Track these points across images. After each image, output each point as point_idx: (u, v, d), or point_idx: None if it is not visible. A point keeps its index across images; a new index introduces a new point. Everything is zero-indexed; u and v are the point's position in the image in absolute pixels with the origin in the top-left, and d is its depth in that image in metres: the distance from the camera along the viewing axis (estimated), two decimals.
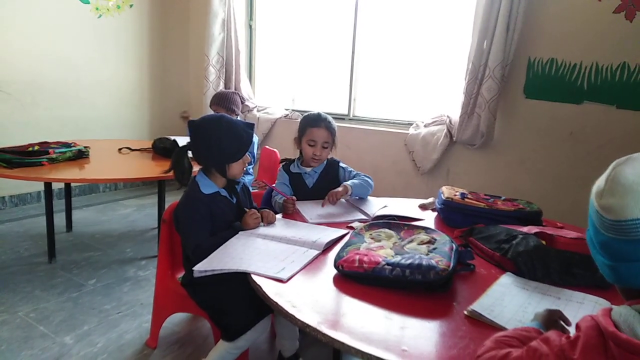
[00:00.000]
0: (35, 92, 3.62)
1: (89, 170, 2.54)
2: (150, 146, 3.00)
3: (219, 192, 1.57)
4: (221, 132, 1.54)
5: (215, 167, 1.57)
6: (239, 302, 1.46)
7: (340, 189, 1.83)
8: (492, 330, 0.96)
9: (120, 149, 2.98)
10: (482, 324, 0.98)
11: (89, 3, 3.85)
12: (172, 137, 2.87)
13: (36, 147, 2.53)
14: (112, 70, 4.14)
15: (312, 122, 1.99)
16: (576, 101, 2.72)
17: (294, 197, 1.84)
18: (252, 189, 2.93)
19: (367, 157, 3.46)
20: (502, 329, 0.95)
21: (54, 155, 2.50)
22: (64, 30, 3.73)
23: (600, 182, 0.72)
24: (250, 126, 1.62)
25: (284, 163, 2.09)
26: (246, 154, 1.60)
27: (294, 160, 2.07)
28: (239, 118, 3.16)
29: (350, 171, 2.05)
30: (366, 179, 1.97)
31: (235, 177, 1.61)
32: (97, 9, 3.92)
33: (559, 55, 2.74)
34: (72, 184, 3.57)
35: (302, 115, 3.93)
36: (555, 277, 1.20)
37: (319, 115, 2.03)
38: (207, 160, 1.58)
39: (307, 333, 0.97)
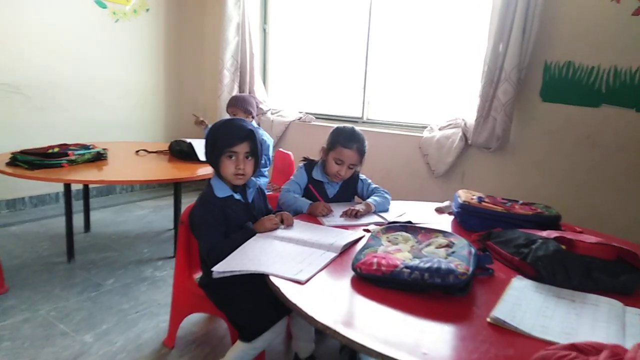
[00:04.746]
0: (54, 95, 3.70)
1: (108, 171, 2.58)
2: (167, 148, 3.05)
3: (232, 196, 1.59)
4: (210, 132, 1.60)
5: (213, 169, 1.61)
6: (257, 303, 1.47)
7: (363, 207, 1.82)
8: (512, 335, 0.95)
9: (137, 151, 3.02)
10: (502, 329, 0.98)
11: (106, 7, 3.93)
12: (188, 140, 2.90)
13: (56, 149, 2.58)
14: (128, 74, 4.21)
15: (344, 142, 1.89)
16: (594, 104, 2.69)
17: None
18: (267, 192, 2.95)
19: (380, 160, 3.46)
20: (526, 335, 0.95)
21: (73, 157, 2.54)
22: (82, 34, 3.81)
23: None
24: (236, 126, 1.57)
25: (305, 163, 2.04)
26: (233, 154, 1.53)
27: (315, 162, 2.03)
28: (254, 120, 3.19)
29: (369, 184, 2.05)
30: (386, 195, 1.97)
31: (231, 180, 1.57)
32: (114, 13, 4.00)
33: (576, 59, 2.71)
34: (90, 186, 3.63)
35: (315, 118, 4.00)
36: (576, 282, 1.19)
37: (352, 134, 1.93)
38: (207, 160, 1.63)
39: (324, 335, 0.98)
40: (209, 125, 3.06)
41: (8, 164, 2.38)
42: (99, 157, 2.70)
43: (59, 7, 3.62)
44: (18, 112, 3.50)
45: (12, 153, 2.45)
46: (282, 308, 1.41)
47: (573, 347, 0.77)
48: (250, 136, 1.56)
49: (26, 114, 3.55)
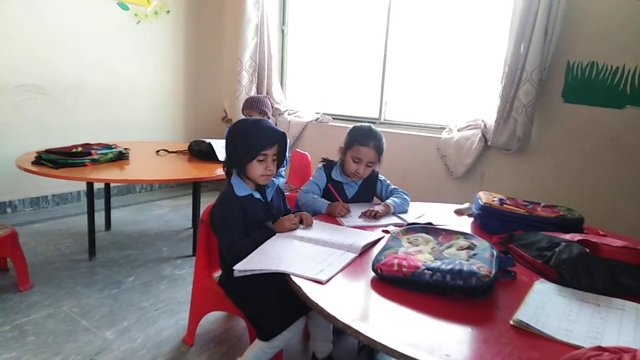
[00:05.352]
0: (77, 96, 3.78)
1: (130, 171, 2.62)
2: (187, 148, 3.08)
3: (252, 195, 1.60)
4: (238, 134, 1.59)
5: (237, 169, 1.61)
6: (275, 303, 1.48)
7: (382, 207, 1.82)
8: (536, 338, 0.94)
9: (157, 151, 3.07)
10: (526, 332, 0.97)
11: (128, 9, 3.99)
12: (207, 140, 2.94)
13: (79, 149, 2.63)
14: (149, 75, 4.28)
15: (361, 140, 1.90)
16: (618, 106, 2.63)
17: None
18: (284, 192, 2.97)
19: (398, 161, 3.45)
20: (550, 338, 0.94)
21: (96, 157, 2.59)
22: (105, 35, 3.88)
23: None
24: (268, 130, 1.58)
25: (324, 163, 2.04)
26: (264, 156, 1.56)
27: (334, 163, 2.04)
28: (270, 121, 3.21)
29: (388, 185, 2.05)
30: (405, 197, 1.97)
31: (257, 180, 1.59)
32: (136, 15, 4.06)
33: (600, 59, 2.66)
34: (111, 184, 3.69)
35: (332, 119, 4.00)
36: (600, 286, 1.17)
37: (369, 132, 1.94)
38: (229, 162, 1.63)
39: (341, 335, 0.98)
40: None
41: (33, 163, 2.43)
42: (121, 157, 2.75)
43: (83, 10, 3.69)
44: (43, 112, 3.59)
45: (37, 152, 2.51)
46: (300, 307, 1.42)
47: (601, 349, 0.76)
48: (281, 139, 1.61)
49: (51, 114, 3.63)
